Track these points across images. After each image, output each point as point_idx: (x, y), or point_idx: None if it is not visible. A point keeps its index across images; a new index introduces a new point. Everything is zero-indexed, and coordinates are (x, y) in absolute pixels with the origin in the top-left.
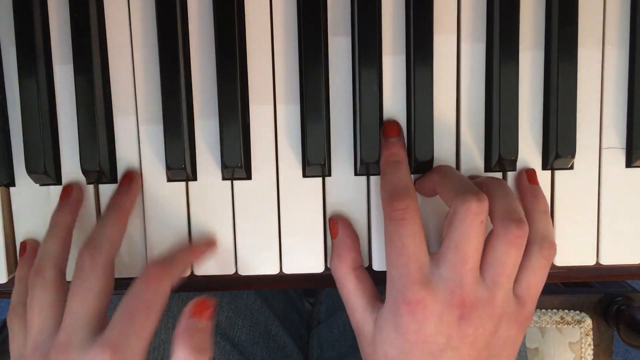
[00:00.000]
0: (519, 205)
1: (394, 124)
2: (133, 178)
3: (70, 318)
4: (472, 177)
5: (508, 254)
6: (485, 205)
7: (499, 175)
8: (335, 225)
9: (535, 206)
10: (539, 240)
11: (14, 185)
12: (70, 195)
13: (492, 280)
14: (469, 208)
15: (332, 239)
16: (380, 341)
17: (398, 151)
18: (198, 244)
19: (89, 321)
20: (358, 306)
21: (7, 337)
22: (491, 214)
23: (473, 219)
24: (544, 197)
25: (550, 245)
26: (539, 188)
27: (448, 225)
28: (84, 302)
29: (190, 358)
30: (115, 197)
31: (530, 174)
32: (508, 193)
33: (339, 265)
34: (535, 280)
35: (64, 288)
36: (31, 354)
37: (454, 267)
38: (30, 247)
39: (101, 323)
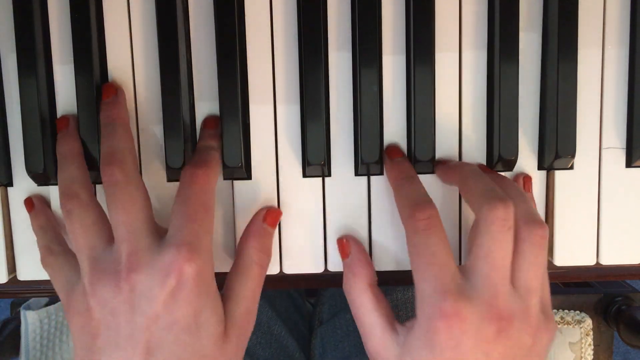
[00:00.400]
0: (535, 207)
1: (397, 146)
2: (117, 89)
3: (125, 229)
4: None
5: (537, 256)
6: (511, 210)
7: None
8: (346, 244)
9: None
10: None
11: (12, 185)
12: (69, 124)
13: (525, 286)
14: (496, 214)
15: (342, 259)
16: None
17: (408, 168)
18: (202, 132)
19: (146, 228)
20: (377, 326)
21: (7, 336)
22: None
23: (501, 224)
24: (534, 203)
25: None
26: (531, 195)
27: (476, 233)
28: (131, 212)
29: (257, 255)
30: (107, 112)
31: (526, 181)
32: (524, 196)
33: (355, 283)
34: (548, 283)
35: (100, 207)
36: (90, 271)
37: (487, 277)
38: (38, 199)
39: (157, 230)
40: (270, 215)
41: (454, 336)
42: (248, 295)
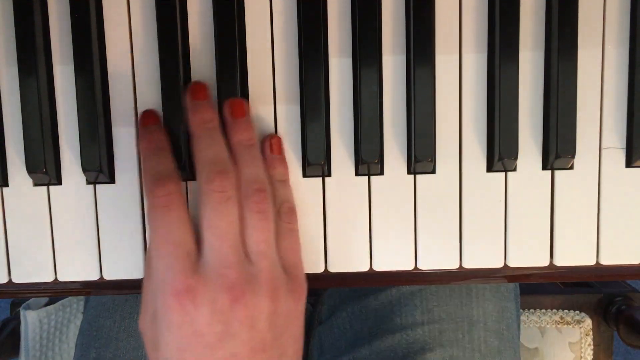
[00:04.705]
0: (262, 173)
1: (152, 112)
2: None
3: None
4: None
5: (257, 219)
6: (227, 181)
7: (501, 175)
8: None
9: (274, 175)
10: (278, 207)
11: (7, 185)
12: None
13: (254, 251)
14: (213, 187)
15: None
16: (160, 345)
17: (158, 138)
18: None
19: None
20: None
21: (7, 336)
22: (237, 181)
23: (219, 196)
24: (282, 166)
25: (289, 210)
26: (279, 157)
27: (200, 205)
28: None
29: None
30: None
31: (273, 143)
32: (253, 160)
33: None
34: (293, 246)
35: None
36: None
37: (215, 249)
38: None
39: None
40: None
41: (188, 311)
42: None
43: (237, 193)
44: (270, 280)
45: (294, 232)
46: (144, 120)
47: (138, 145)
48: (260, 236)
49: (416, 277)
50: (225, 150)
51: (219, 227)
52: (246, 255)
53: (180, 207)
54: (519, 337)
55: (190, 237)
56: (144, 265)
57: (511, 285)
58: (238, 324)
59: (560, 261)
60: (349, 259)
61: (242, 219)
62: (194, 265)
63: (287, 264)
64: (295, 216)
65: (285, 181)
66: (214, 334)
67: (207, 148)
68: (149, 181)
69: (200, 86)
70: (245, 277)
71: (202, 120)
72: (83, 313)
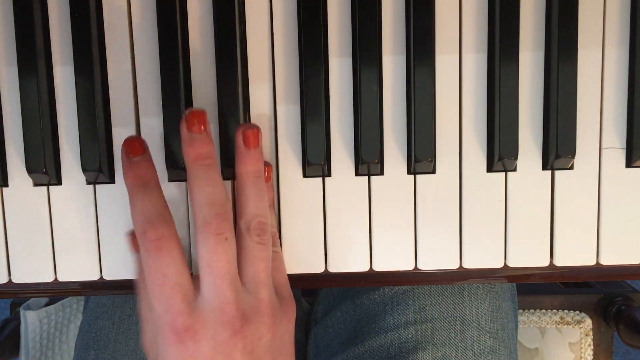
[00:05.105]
0: (266, 206)
1: (137, 140)
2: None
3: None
4: None
5: (258, 250)
6: (225, 222)
7: (501, 175)
8: None
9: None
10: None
11: (7, 186)
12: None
13: (254, 281)
14: (209, 230)
15: None
16: None
17: (145, 172)
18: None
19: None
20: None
21: (7, 336)
22: (239, 213)
23: (217, 238)
24: (269, 192)
25: (273, 235)
26: (268, 184)
27: (197, 242)
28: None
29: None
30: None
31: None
32: (260, 194)
33: None
34: (279, 267)
35: None
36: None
37: (214, 287)
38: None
39: None
40: (129, 146)
41: (188, 347)
42: None
43: (236, 226)
44: (270, 307)
45: (278, 254)
46: (128, 151)
47: (124, 176)
48: (260, 266)
49: (416, 277)
50: (222, 190)
51: (217, 267)
52: (243, 283)
53: (174, 248)
54: (516, 337)
55: (186, 276)
56: (136, 286)
57: (507, 284)
58: (238, 353)
59: (560, 261)
60: (349, 259)
61: (239, 249)
62: (192, 303)
63: (276, 284)
64: (278, 239)
65: (271, 206)
66: None
67: (204, 188)
68: (138, 223)
69: (199, 116)
70: (244, 310)
71: (198, 155)
72: (83, 313)
